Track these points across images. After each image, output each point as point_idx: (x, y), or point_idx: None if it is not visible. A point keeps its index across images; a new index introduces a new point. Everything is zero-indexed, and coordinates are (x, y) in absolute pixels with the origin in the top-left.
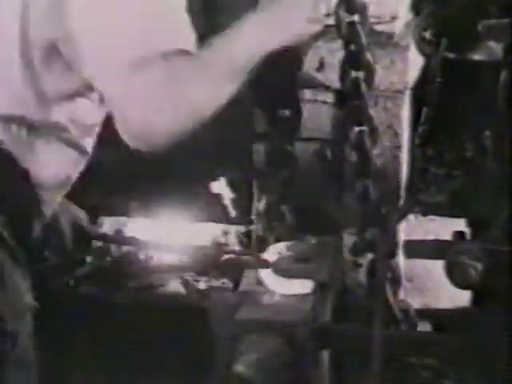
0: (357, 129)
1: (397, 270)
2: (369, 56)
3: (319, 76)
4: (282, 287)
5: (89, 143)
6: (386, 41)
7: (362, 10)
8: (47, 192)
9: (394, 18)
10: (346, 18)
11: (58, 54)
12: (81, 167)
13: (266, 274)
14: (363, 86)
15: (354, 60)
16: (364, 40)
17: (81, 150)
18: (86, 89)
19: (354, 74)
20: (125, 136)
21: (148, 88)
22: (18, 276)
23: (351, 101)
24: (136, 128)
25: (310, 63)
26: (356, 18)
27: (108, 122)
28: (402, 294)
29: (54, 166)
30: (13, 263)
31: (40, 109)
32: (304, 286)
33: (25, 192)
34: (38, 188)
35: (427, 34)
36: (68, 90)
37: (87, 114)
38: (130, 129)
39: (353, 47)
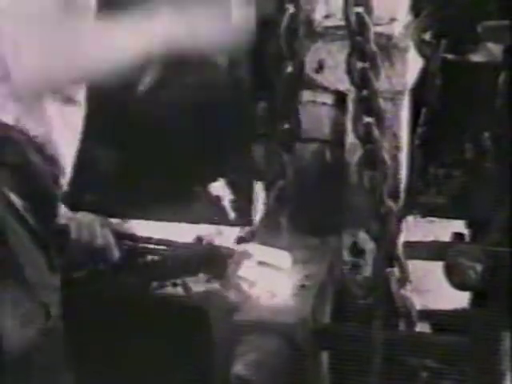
0: (366, 119)
1: (406, 269)
2: (374, 47)
3: (318, 77)
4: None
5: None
6: (385, 42)
7: (367, 2)
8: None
9: (393, 20)
10: (354, 9)
11: None
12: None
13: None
14: (371, 75)
15: (360, 50)
16: (371, 30)
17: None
18: None
19: (360, 65)
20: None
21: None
22: (39, 256)
23: (360, 92)
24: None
25: (309, 65)
26: (361, 9)
27: None
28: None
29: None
30: (33, 244)
31: None
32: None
33: (45, 175)
34: (57, 169)
35: (426, 36)
36: None
37: None
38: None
39: (359, 38)
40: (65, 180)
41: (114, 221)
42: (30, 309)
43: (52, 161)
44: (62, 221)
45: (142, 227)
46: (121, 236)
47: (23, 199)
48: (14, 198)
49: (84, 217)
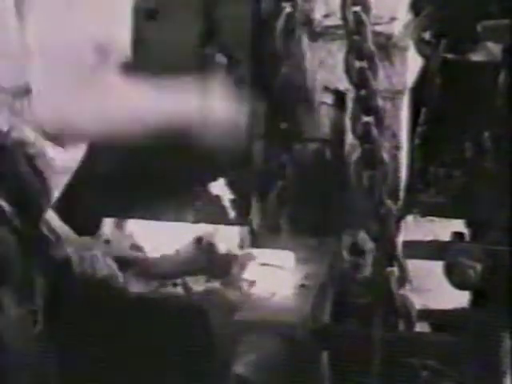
0: (364, 119)
1: (406, 269)
2: (372, 46)
3: (318, 76)
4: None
5: None
6: (385, 42)
7: (365, 1)
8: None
9: (393, 19)
10: (352, 8)
11: None
12: None
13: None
14: (369, 75)
15: (358, 49)
16: (369, 29)
17: None
18: None
19: (358, 64)
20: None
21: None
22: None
23: (358, 91)
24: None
25: (309, 63)
26: (359, 8)
27: None
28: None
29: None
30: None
31: None
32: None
33: (33, 185)
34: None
35: (426, 35)
36: None
37: None
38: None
39: (357, 37)
40: (54, 191)
41: (116, 246)
42: (18, 315)
43: (41, 172)
44: (63, 253)
45: (141, 233)
46: (125, 263)
47: (11, 205)
48: (2, 203)
49: (85, 247)
